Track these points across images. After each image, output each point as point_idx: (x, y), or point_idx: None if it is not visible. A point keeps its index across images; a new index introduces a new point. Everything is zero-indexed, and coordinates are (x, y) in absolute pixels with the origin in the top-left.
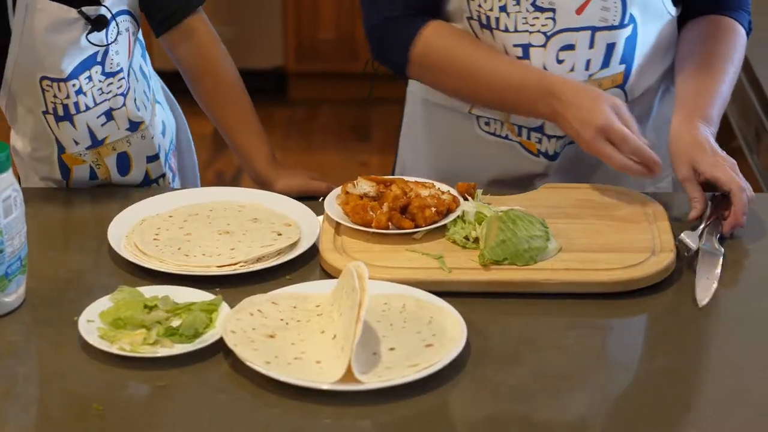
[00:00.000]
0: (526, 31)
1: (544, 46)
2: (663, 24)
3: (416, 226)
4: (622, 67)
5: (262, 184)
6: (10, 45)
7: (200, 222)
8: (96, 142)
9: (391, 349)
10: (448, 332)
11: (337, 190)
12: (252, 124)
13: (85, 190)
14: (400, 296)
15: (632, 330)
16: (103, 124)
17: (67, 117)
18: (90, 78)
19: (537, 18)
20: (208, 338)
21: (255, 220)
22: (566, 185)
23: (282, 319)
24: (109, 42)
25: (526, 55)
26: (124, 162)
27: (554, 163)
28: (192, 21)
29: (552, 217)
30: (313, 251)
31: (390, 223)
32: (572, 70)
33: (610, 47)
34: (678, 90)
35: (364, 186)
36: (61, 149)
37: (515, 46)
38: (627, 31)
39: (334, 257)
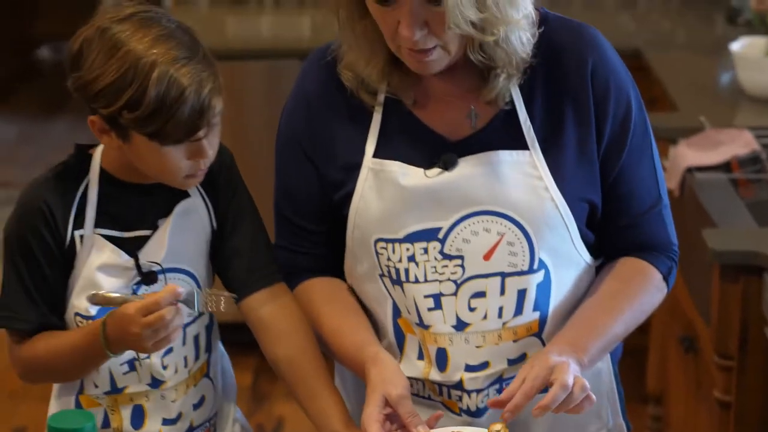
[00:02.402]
0: (436, 280)
1: (455, 294)
2: (580, 271)
3: None
4: (537, 315)
5: None
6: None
7: None
8: (115, 389)
9: None
10: None
11: None
12: (327, 384)
13: None
14: None
15: None
16: (125, 373)
17: None
18: None
19: (446, 266)
20: None
21: None
22: None
23: None
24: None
25: (438, 306)
26: (138, 415)
27: (481, 421)
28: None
29: None
30: None
31: None
32: (485, 317)
33: (522, 293)
34: (567, 323)
35: None
36: (81, 389)
37: (426, 297)
38: (538, 277)
39: None
